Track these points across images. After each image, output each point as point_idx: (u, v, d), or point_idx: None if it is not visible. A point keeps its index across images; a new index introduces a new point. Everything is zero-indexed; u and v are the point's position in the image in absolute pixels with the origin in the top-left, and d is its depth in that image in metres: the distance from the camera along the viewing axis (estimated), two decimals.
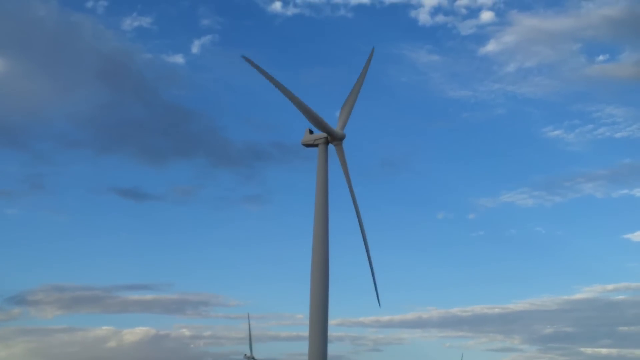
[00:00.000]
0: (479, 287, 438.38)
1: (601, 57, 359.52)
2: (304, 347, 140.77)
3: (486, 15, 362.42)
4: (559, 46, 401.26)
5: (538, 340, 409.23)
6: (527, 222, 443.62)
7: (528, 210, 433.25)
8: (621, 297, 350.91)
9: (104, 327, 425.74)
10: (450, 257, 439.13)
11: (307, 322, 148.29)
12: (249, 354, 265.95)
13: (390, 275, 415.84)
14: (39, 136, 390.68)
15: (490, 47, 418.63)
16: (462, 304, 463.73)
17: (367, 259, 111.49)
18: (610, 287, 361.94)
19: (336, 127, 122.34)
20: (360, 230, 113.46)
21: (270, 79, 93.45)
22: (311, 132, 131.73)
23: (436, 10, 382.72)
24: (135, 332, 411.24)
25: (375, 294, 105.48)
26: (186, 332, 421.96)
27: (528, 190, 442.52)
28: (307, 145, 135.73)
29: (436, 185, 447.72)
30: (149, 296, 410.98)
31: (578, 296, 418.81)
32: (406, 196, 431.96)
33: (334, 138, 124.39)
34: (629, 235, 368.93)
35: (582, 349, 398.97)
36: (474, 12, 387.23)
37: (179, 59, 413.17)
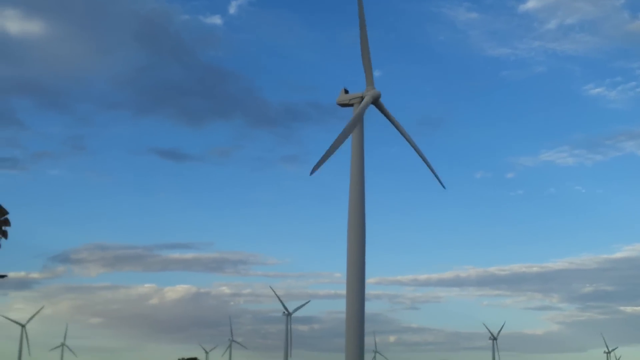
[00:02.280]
0: (518, 246, 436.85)
1: None
2: (341, 305, 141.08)
3: None
4: (601, 2, 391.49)
5: (577, 299, 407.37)
6: (566, 181, 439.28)
7: (568, 169, 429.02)
8: None
9: (146, 285, 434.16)
10: (488, 217, 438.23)
11: (345, 280, 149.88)
12: (287, 312, 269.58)
13: (428, 235, 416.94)
14: (79, 98, 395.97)
15: (531, 3, 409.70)
16: (500, 262, 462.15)
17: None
18: None
19: (366, 88, 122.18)
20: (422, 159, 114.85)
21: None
22: (347, 91, 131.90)
23: None
24: (176, 290, 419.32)
25: (436, 179, 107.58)
26: (226, 289, 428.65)
27: (568, 149, 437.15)
28: (343, 105, 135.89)
29: (474, 144, 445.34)
30: (189, 255, 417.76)
31: (618, 255, 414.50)
32: (444, 155, 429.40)
33: (375, 94, 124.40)
34: None
35: (622, 308, 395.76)
36: None
37: (216, 20, 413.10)
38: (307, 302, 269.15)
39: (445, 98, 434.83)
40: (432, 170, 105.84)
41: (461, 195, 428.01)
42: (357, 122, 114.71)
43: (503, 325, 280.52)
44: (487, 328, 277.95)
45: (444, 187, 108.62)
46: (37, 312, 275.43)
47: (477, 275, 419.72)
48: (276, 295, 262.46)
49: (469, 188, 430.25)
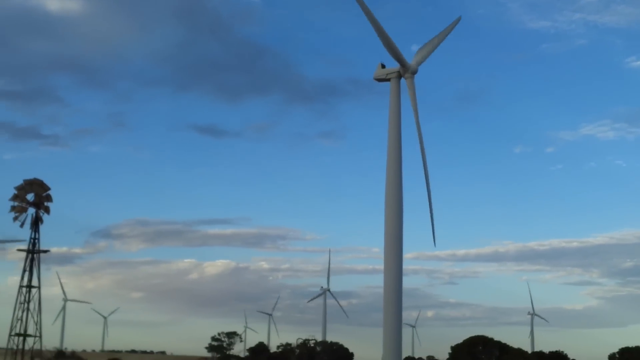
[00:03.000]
0: (557, 221, 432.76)
1: None
2: (379, 280, 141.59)
3: None
4: None
5: (617, 274, 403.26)
6: (607, 155, 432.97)
7: (609, 143, 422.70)
8: None
9: (186, 260, 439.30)
10: (527, 191, 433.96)
11: (383, 255, 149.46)
12: (325, 287, 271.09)
13: (466, 209, 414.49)
14: (119, 75, 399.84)
15: None
16: (539, 237, 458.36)
17: (427, 197, 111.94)
18: None
19: (411, 62, 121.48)
20: (423, 165, 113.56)
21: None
22: (383, 66, 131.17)
23: None
24: (216, 265, 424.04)
25: (432, 232, 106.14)
26: (264, 265, 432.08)
27: (609, 123, 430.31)
28: (380, 80, 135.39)
29: (513, 118, 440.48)
30: (228, 230, 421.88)
31: None
32: (482, 130, 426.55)
33: (406, 71, 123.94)
34: None
35: None
36: None
37: None
38: (322, 293, 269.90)
39: (484, 72, 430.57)
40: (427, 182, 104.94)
41: (500, 170, 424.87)
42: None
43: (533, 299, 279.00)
44: (531, 302, 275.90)
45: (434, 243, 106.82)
46: (84, 302, 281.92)
47: (516, 250, 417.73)
48: (329, 267, 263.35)
49: (508, 163, 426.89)
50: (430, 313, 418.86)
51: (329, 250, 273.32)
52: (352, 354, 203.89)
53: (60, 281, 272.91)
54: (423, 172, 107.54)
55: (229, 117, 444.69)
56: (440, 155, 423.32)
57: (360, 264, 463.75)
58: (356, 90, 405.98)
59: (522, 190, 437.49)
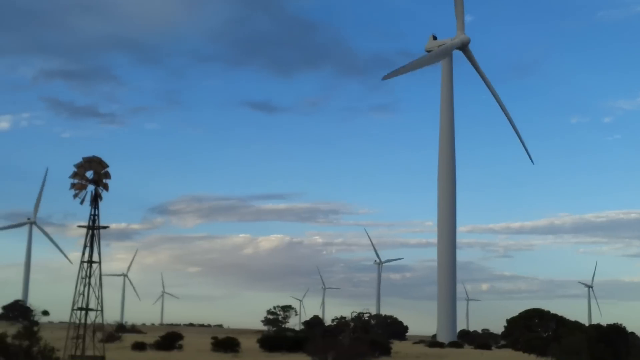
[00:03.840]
0: (615, 192, 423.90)
1: None
2: (433, 254, 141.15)
3: None
4: None
5: None
6: None
7: None
8: None
9: (240, 235, 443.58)
10: (584, 162, 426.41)
11: (436, 229, 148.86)
12: (379, 260, 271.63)
13: (521, 182, 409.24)
14: (173, 52, 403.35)
15: None
16: (596, 209, 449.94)
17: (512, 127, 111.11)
18: None
19: (455, 34, 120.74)
20: (507, 119, 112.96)
21: None
22: (435, 37, 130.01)
23: None
24: (270, 240, 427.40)
25: (525, 151, 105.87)
26: (318, 239, 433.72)
27: None
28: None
29: (569, 88, 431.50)
30: (282, 205, 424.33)
31: None
32: (537, 101, 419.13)
33: (461, 41, 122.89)
34: None
35: None
36: None
37: None
38: (399, 259, 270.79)
39: (538, 42, 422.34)
40: (517, 133, 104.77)
41: (556, 141, 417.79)
42: (441, 56, 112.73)
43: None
44: (593, 275, 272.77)
45: (532, 162, 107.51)
46: (134, 258, 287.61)
47: (573, 223, 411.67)
48: (371, 243, 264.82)
49: (564, 133, 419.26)
50: (484, 286, 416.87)
51: (365, 228, 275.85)
52: (406, 327, 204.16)
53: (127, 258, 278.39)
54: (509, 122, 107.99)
55: (282, 92, 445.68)
56: (494, 128, 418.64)
57: (413, 237, 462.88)
58: (408, 61, 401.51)
59: (578, 161, 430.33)
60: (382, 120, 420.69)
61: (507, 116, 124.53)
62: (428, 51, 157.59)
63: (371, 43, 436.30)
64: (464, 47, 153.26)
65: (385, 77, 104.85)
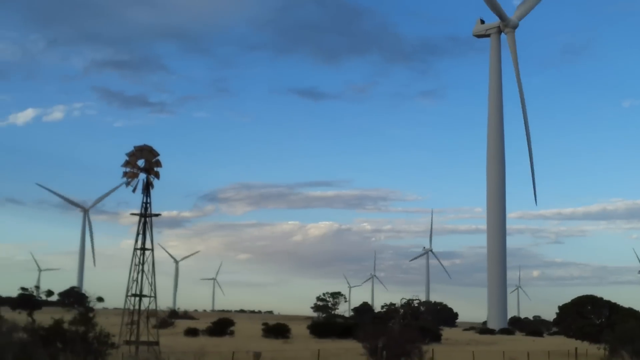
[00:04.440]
0: None
1: None
2: (482, 240, 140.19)
3: None
4: None
5: None
6: None
7: None
8: None
9: (289, 222, 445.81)
10: (637, 146, 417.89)
11: (485, 215, 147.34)
12: (428, 247, 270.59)
13: (573, 167, 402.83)
14: (221, 41, 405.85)
15: None
16: None
17: (528, 153, 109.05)
18: None
19: (512, 16, 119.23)
20: (524, 122, 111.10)
21: None
22: (482, 22, 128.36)
23: None
24: (319, 227, 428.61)
25: (533, 190, 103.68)
26: (367, 226, 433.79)
27: None
28: (479, 36, 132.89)
29: (621, 71, 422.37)
30: (330, 192, 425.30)
31: None
32: (589, 84, 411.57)
33: (506, 25, 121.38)
34: None
35: None
36: None
37: None
38: (424, 253, 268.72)
39: (589, 24, 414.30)
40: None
41: (608, 125, 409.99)
42: (516, 62, 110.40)
43: None
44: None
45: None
46: (192, 254, 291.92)
47: (626, 208, 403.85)
48: (431, 229, 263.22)
49: (617, 117, 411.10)
50: (535, 273, 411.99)
51: (432, 211, 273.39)
52: (456, 314, 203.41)
53: (164, 249, 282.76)
54: (524, 129, 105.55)
55: (329, 79, 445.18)
56: (545, 111, 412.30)
57: (462, 224, 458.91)
58: (455, 48, 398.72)
59: (631, 145, 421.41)
60: (429, 106, 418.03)
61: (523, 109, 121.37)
62: (475, 36, 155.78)
63: (418, 28, 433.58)
64: (510, 31, 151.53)
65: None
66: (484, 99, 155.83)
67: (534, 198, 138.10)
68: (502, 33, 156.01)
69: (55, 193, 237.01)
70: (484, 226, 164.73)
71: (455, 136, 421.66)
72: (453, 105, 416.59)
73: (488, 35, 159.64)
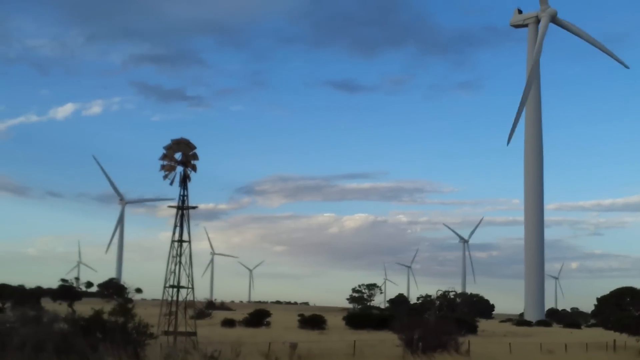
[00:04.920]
0: None
1: None
2: (520, 232, 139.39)
3: None
4: None
5: None
6: None
7: None
8: None
9: (325, 214, 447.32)
10: None
11: (523, 207, 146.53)
12: (465, 238, 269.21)
13: (612, 157, 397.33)
14: (257, 34, 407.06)
15: None
16: None
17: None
18: None
19: (540, 7, 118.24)
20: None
21: None
22: (520, 11, 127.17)
23: None
24: (355, 219, 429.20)
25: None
26: (402, 218, 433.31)
27: None
28: (517, 26, 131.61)
29: None
30: (366, 184, 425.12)
31: None
32: (629, 72, 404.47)
33: (543, 10, 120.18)
34: None
35: None
36: None
37: None
38: (480, 221, 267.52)
39: (630, 11, 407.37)
40: None
41: None
42: (540, 50, 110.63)
43: None
44: None
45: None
46: (230, 256, 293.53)
47: None
48: (451, 229, 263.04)
49: None
50: (574, 265, 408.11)
51: (482, 219, 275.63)
52: (492, 306, 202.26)
53: (208, 236, 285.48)
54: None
55: (365, 71, 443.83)
56: (584, 99, 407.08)
57: (499, 215, 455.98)
58: (493, 38, 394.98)
59: None
60: (466, 97, 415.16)
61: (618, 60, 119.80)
62: (513, 26, 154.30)
63: (455, 19, 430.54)
64: (553, 19, 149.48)
65: (509, 142, 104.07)
66: (522, 89, 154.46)
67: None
68: (540, 23, 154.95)
69: (104, 172, 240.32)
70: (521, 218, 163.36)
71: (492, 127, 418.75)
72: (490, 96, 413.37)
73: (526, 25, 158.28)
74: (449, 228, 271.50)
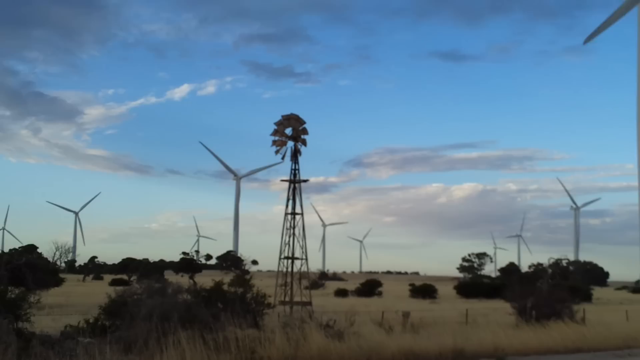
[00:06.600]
0: None
1: None
2: (634, 198, 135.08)
3: None
4: None
5: None
6: None
7: None
8: None
9: (434, 184, 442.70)
10: None
11: (637, 171, 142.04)
12: (575, 206, 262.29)
13: None
14: (362, 9, 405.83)
15: None
16: None
17: None
18: None
19: None
20: None
21: None
22: None
23: None
24: (463, 188, 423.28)
25: None
26: (512, 186, 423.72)
27: None
28: None
29: None
30: (474, 154, 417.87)
31: None
32: None
33: None
34: None
35: None
36: None
37: None
38: (596, 199, 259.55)
39: None
40: None
41: None
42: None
43: None
44: None
45: None
46: (340, 223, 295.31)
47: None
48: (565, 189, 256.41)
49: None
50: None
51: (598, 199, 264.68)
52: (607, 273, 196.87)
53: (315, 210, 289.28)
54: None
55: (470, 40, 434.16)
56: None
57: (613, 181, 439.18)
58: (603, 0, 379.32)
59: None
60: (576, 61, 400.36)
61: None
62: None
63: None
64: None
65: (586, 41, 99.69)
66: (634, 51, 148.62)
67: None
68: None
69: (213, 154, 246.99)
70: (635, 183, 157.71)
71: (603, 92, 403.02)
72: (601, 60, 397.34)
73: None
74: (565, 190, 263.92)
